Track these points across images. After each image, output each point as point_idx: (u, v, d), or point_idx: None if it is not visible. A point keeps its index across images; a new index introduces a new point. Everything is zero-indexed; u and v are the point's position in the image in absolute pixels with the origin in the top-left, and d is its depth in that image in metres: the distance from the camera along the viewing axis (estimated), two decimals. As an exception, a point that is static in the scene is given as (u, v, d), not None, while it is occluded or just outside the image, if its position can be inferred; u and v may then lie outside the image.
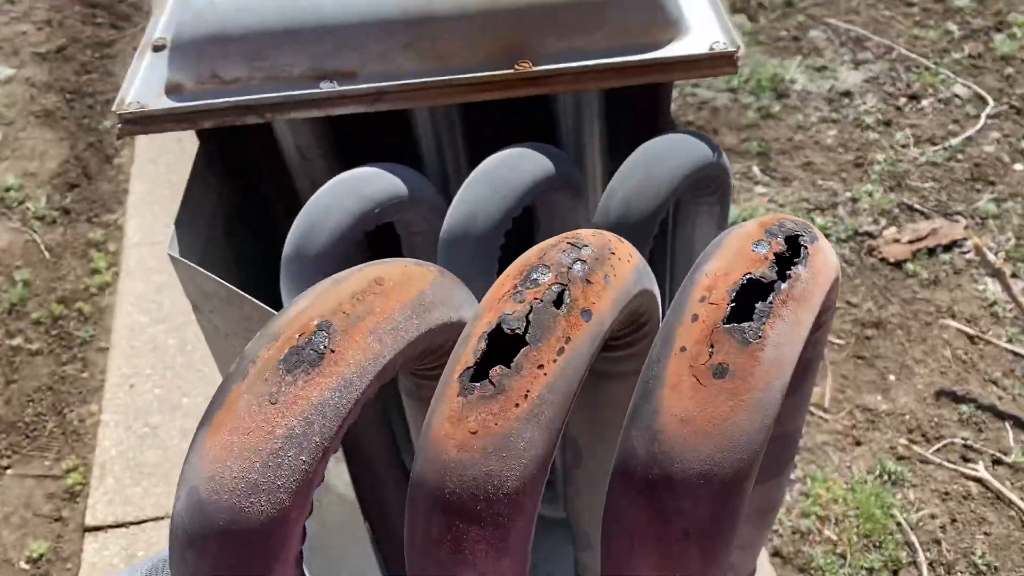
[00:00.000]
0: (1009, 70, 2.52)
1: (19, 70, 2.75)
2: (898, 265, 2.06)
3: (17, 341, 2.02)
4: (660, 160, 0.87)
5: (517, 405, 0.58)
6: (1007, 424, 1.76)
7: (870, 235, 2.14)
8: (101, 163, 2.46)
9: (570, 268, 0.63)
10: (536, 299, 0.61)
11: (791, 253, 0.63)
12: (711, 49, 0.89)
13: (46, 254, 2.21)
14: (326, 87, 0.90)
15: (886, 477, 1.69)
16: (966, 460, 1.72)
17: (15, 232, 2.27)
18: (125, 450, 1.81)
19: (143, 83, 0.94)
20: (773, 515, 1.00)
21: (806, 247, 0.64)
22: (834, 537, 1.61)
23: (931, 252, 2.08)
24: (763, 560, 1.58)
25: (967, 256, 2.07)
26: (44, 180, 2.41)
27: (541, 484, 0.60)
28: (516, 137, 0.95)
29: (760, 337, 0.59)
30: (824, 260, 0.65)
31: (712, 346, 0.59)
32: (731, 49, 0.89)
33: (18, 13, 2.99)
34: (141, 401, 1.90)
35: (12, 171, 2.43)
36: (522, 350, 0.59)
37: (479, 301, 0.65)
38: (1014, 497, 1.64)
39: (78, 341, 2.01)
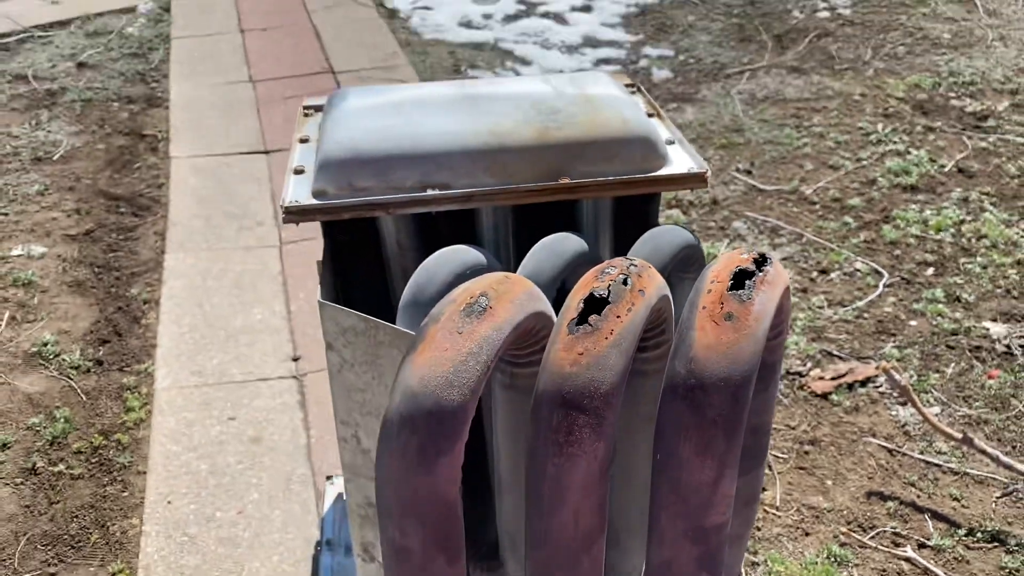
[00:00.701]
0: (897, 251, 3.08)
1: (51, 248, 3.10)
2: (824, 396, 2.47)
3: (59, 468, 2.23)
4: (661, 238, 1.28)
5: (606, 338, 0.94)
6: (926, 516, 2.11)
7: (799, 374, 2.56)
8: (130, 323, 2.77)
9: (628, 267, 1.01)
10: (612, 280, 0.98)
11: (762, 261, 1.03)
12: (688, 170, 1.34)
13: (83, 396, 2.47)
14: (431, 193, 1.30)
15: (833, 559, 2.00)
16: (896, 544, 2.05)
17: (52, 379, 2.53)
18: (167, 555, 2.01)
19: (294, 191, 1.32)
20: (754, 508, 1.32)
21: (770, 260, 1.04)
22: (795, 605, 1.90)
23: (850, 387, 2.50)
24: (738, 626, 1.84)
25: (880, 390, 2.50)
26: (77, 337, 2.70)
27: (622, 389, 0.94)
28: (550, 233, 1.35)
29: (751, 298, 0.97)
30: (781, 269, 1.05)
31: (722, 304, 0.97)
32: (701, 171, 1.34)
33: (49, 203, 3.38)
34: (179, 515, 2.11)
35: (47, 330, 2.72)
36: (607, 307, 0.96)
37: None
38: (939, 572, 1.97)
39: (117, 466, 2.24)
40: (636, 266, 1.02)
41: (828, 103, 4.11)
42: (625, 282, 0.99)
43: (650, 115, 1.53)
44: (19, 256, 3.05)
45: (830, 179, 3.53)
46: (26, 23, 5.23)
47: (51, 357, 2.60)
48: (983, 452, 2.17)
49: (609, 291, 0.97)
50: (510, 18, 5.28)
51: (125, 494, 2.17)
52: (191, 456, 2.28)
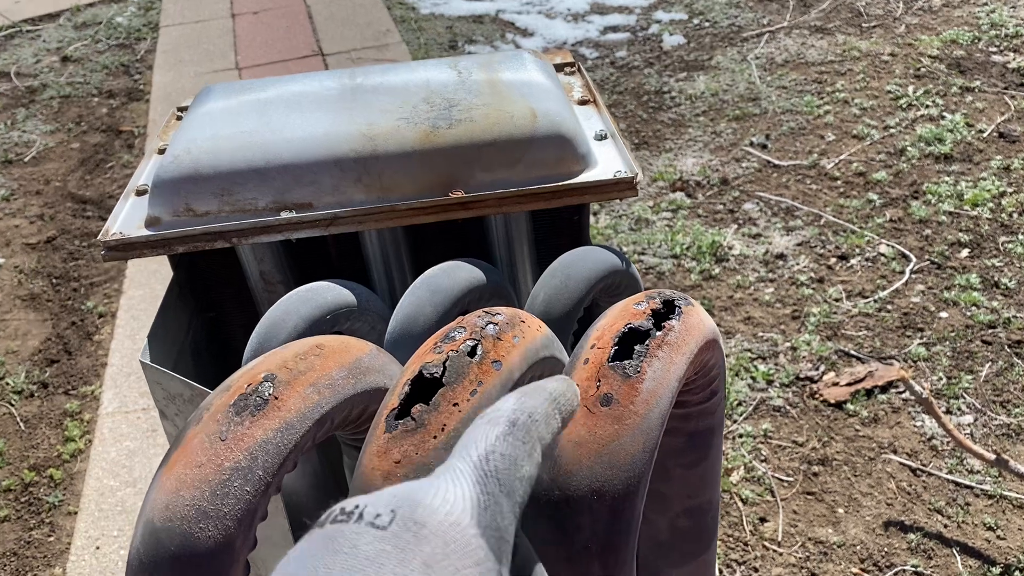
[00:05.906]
0: (927, 231, 2.75)
1: (9, 259, 2.92)
2: (839, 406, 2.17)
3: (-15, 509, 2.04)
4: (575, 266, 1.01)
5: (435, 436, 0.68)
6: (954, 550, 1.81)
7: (811, 379, 2.26)
8: (82, 340, 2.57)
9: (483, 328, 0.74)
10: (452, 350, 0.72)
11: (667, 311, 0.75)
12: (614, 176, 1.05)
13: (21, 425, 2.27)
14: (286, 216, 1.04)
15: (842, 606, 1.72)
16: (918, 586, 1.76)
17: (-8, 406, 2.34)
18: (86, 611, 1.81)
19: (126, 219, 1.08)
20: (704, 599, 1.05)
21: (680, 307, 0.76)
22: (794, 666, 1.62)
23: (869, 393, 2.20)
24: None
25: (903, 395, 2.19)
26: (25, 357, 2.51)
27: (458, 507, 0.68)
28: (455, 256, 1.08)
29: (639, 372, 0.69)
30: (698, 318, 0.77)
31: (599, 381, 0.69)
32: (630, 175, 1.06)
33: (12, 210, 3.20)
34: (106, 562, 1.91)
35: (-6, 350, 2.53)
36: (439, 391, 0.69)
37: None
38: (968, 620, 1.67)
39: (46, 506, 2.04)
40: (495, 325, 0.75)
41: (854, 65, 3.74)
42: (472, 352, 0.72)
43: (584, 102, 1.25)
44: (-26, 269, 2.88)
45: (853, 151, 3.19)
46: (16, 17, 5.07)
47: (-7, 381, 2.42)
48: (1020, 476, 1.86)
49: (445, 367, 0.70)
50: (513, -13, 4.96)
51: (51, 539, 1.97)
52: (128, 492, 2.07)
